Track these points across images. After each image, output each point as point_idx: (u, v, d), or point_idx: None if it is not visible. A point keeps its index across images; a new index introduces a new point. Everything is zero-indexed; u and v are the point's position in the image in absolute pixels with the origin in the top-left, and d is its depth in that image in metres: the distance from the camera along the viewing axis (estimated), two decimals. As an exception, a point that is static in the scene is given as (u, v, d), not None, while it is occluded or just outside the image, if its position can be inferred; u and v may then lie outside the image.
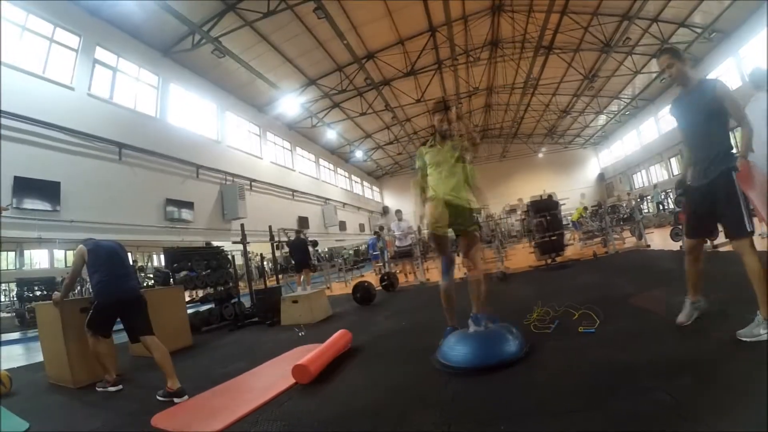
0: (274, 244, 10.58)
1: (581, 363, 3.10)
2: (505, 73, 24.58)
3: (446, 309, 4.02)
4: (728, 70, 19.96)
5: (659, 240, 11.90)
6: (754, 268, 2.99)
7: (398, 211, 13.08)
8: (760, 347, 2.71)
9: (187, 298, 8.14)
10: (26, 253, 15.02)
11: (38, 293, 13.60)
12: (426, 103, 24.65)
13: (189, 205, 15.07)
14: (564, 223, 21.71)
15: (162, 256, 9.49)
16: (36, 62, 10.77)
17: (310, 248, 14.15)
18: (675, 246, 9.44)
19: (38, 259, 15.92)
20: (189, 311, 7.51)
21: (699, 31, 18.67)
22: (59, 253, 14.80)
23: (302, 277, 11.90)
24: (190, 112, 16.45)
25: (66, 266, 14.50)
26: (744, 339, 2.93)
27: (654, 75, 24.07)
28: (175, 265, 8.25)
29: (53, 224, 10.40)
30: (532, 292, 6.73)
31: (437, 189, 3.90)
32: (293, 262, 12.51)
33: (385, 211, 42.02)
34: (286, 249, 13.11)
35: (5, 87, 9.69)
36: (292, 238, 12.73)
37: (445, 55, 21.02)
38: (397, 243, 12.41)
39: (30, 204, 9.91)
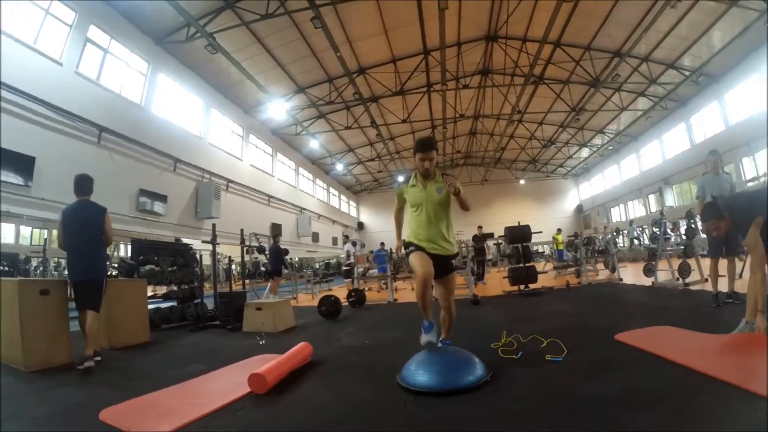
0: (245, 248, 10.43)
1: (546, 390, 3.06)
2: (493, 102, 24.96)
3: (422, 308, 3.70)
4: (712, 113, 20.79)
5: (632, 274, 12.07)
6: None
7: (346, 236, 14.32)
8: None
9: (150, 293, 7.95)
10: (-9, 226, 14.47)
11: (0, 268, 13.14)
12: (412, 124, 24.95)
13: (163, 198, 14.84)
14: (540, 251, 21.76)
15: (129, 247, 9.29)
16: (28, 31, 10.52)
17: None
18: (647, 281, 9.60)
19: (3, 234, 15.44)
20: (150, 306, 7.32)
21: (687, 73, 19.26)
22: (26, 230, 14.40)
23: (275, 284, 11.88)
24: (176, 105, 16.28)
25: (32, 244, 14.15)
26: None
27: (639, 113, 24.77)
28: (141, 257, 8.06)
29: (23, 199, 10.12)
30: (503, 317, 6.74)
31: (418, 235, 3.80)
32: (268, 267, 12.44)
33: (360, 226, 42.02)
34: (255, 254, 13.03)
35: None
36: (271, 244, 12.72)
37: (435, 78, 21.15)
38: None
39: (2, 176, 9.64)
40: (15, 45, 10.14)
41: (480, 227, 15.13)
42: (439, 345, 3.73)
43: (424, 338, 3.53)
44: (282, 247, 12.95)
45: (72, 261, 5.07)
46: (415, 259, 3.71)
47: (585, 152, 34.16)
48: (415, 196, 3.82)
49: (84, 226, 5.15)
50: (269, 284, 11.82)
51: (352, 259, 12.91)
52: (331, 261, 30.33)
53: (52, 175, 10.50)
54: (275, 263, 12.14)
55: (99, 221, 5.27)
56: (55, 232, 5.18)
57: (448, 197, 3.77)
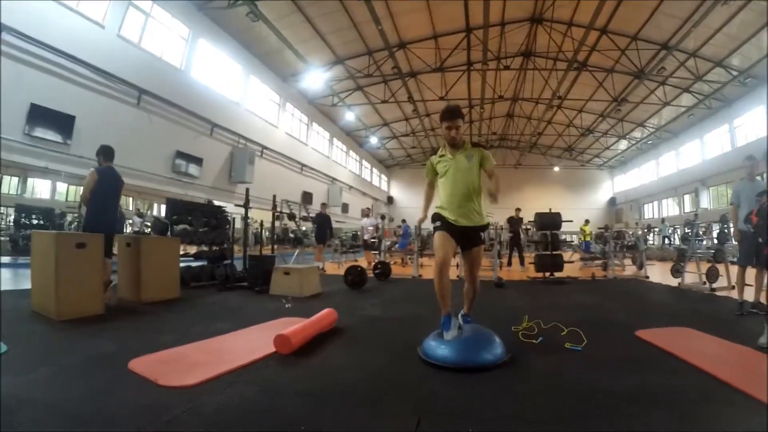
0: (275, 214, 10.56)
1: (562, 378, 3.09)
2: (533, 85, 24.48)
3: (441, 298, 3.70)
4: (757, 117, 19.95)
5: (659, 273, 11.84)
6: None
7: (367, 209, 15.41)
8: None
9: (181, 252, 8.16)
10: (29, 180, 15.10)
11: (35, 222, 13.65)
12: (449, 102, 24.61)
13: (198, 161, 15.14)
14: (569, 240, 21.41)
15: (163, 206, 9.50)
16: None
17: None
18: (673, 282, 9.43)
19: (40, 189, 16.01)
20: (181, 265, 7.52)
21: (735, 73, 18.57)
22: (62, 186, 14.86)
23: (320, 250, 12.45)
24: (215, 70, 16.45)
25: (67, 200, 14.66)
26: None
27: (682, 109, 23.94)
28: (175, 217, 8.27)
29: (62, 156, 10.49)
30: (526, 302, 6.78)
31: (448, 206, 3.73)
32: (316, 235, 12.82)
33: (390, 200, 42.05)
34: (286, 220, 13.31)
35: (40, 14, 9.75)
36: (319, 212, 13.07)
37: (476, 57, 20.81)
38: (367, 236, 13.27)
39: (41, 133, 9.96)
40: (59, 8, 10.36)
41: (518, 209, 14.58)
42: (460, 321, 3.80)
43: (447, 336, 3.53)
44: (311, 215, 13.32)
45: (98, 216, 5.82)
46: (438, 240, 3.71)
47: (623, 144, 33.30)
48: (445, 166, 3.80)
49: (110, 189, 6.01)
50: (297, 250, 12.13)
51: (375, 233, 12.98)
52: (359, 232, 30.45)
53: (91, 135, 10.80)
54: (323, 230, 12.55)
55: (119, 187, 6.21)
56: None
57: (478, 167, 3.75)
